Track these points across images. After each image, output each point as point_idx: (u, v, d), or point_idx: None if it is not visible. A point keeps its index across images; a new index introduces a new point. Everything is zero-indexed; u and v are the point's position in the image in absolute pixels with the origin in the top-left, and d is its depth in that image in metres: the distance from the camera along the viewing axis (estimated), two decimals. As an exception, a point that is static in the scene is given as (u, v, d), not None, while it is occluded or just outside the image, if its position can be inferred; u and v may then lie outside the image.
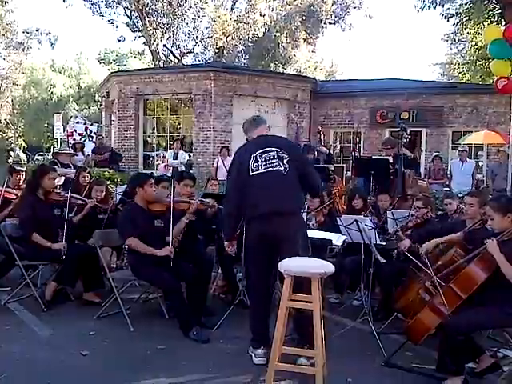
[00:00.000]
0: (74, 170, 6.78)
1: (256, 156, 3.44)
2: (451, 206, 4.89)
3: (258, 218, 3.43)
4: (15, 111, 30.53)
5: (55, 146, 17.62)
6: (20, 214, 4.72)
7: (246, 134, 3.78)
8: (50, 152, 22.56)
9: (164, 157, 11.49)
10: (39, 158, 23.63)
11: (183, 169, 10.71)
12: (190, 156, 13.09)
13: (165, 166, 10.97)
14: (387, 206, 5.17)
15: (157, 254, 4.04)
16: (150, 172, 10.28)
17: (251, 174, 3.43)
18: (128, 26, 25.46)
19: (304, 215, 4.58)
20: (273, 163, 3.41)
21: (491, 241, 3.12)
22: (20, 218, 4.71)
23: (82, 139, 13.99)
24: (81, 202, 5.10)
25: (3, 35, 22.99)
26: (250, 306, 3.74)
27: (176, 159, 10.96)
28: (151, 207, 4.25)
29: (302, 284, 3.09)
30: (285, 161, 3.41)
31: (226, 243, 3.70)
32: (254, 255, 3.54)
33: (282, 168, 3.40)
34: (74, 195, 5.09)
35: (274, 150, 3.43)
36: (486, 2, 14.30)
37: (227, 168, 10.10)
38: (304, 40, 25.04)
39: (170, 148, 11.84)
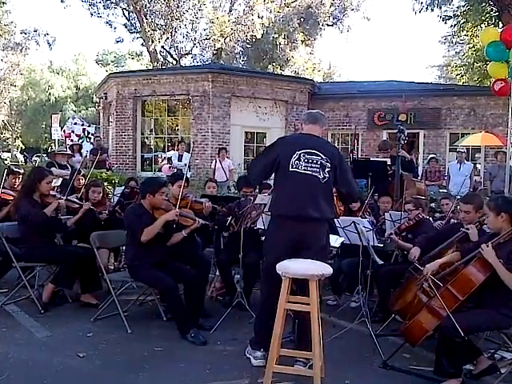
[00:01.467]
0: (70, 172, 6.77)
1: (300, 154, 3.39)
2: (448, 207, 4.90)
3: (286, 217, 3.39)
4: (13, 112, 30.49)
5: (52, 147, 17.57)
6: (21, 211, 4.59)
7: (301, 123, 3.70)
8: (46, 153, 22.50)
9: (165, 158, 11.43)
10: (36, 159, 23.56)
11: (188, 171, 10.65)
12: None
13: (169, 167, 10.93)
14: (389, 208, 5.19)
15: (167, 219, 4.09)
16: (146, 175, 10.26)
17: (290, 169, 3.39)
18: (126, 27, 25.47)
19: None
20: (314, 168, 3.37)
21: (486, 247, 3.13)
22: (24, 213, 4.55)
23: (80, 140, 13.97)
24: (76, 205, 5.07)
25: (1, 36, 22.93)
26: (261, 308, 3.64)
27: (181, 161, 10.93)
28: (156, 214, 4.22)
29: (305, 286, 3.08)
30: (326, 170, 3.38)
31: None
32: (275, 254, 3.40)
33: (321, 176, 3.37)
34: (70, 198, 5.07)
35: (319, 156, 3.39)
36: (483, 5, 14.32)
37: (225, 169, 10.23)
38: (302, 42, 25.05)
39: (173, 150, 11.75)
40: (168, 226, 4.22)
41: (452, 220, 4.69)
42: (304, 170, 3.37)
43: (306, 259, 3.24)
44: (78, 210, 5.03)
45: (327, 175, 3.38)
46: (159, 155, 12.64)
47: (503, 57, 6.60)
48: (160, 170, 11.50)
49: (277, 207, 3.49)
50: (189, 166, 12.00)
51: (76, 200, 5.15)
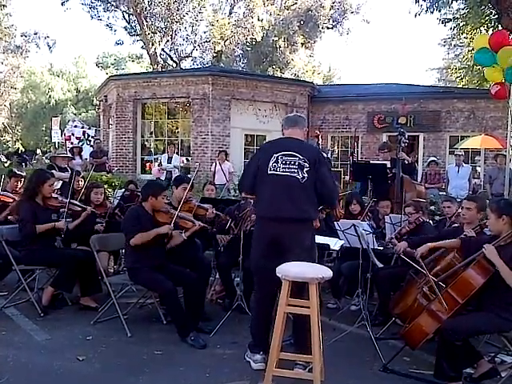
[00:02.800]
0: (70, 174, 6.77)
1: (277, 156, 3.43)
2: (450, 210, 4.88)
3: (266, 219, 3.44)
4: (13, 115, 30.48)
5: (51, 150, 17.59)
6: (20, 214, 4.65)
7: (282, 129, 3.75)
8: (46, 155, 22.49)
9: (159, 160, 11.52)
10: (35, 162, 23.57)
11: (177, 173, 10.70)
12: (187, 160, 13.08)
13: (159, 169, 10.99)
14: (388, 212, 5.18)
15: (160, 232, 4.09)
16: (146, 177, 10.30)
17: (268, 172, 3.42)
18: (126, 29, 25.47)
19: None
20: (291, 169, 3.39)
21: (489, 246, 3.13)
22: (20, 218, 4.62)
23: (80, 143, 14.00)
24: (78, 208, 5.07)
25: (1, 39, 22.93)
26: (254, 310, 3.70)
27: (170, 163, 10.98)
28: (157, 216, 4.24)
29: (303, 289, 3.09)
30: (305, 170, 3.39)
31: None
32: (259, 256, 3.48)
33: (300, 176, 3.38)
34: (73, 201, 5.07)
35: (296, 157, 3.41)
36: (482, 8, 14.33)
37: (225, 172, 10.24)
38: (302, 44, 25.09)
39: (165, 152, 11.87)
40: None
41: (455, 225, 4.68)
42: (282, 171, 3.40)
43: (293, 262, 3.21)
44: (79, 213, 5.03)
45: (306, 175, 3.38)
46: (158, 158, 12.66)
47: (489, 62, 6.63)
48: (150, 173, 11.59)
49: (258, 209, 3.56)
50: (185, 168, 12.07)
51: (78, 203, 5.15)
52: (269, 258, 3.37)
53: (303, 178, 3.38)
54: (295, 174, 3.38)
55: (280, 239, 3.37)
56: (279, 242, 3.38)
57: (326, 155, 9.19)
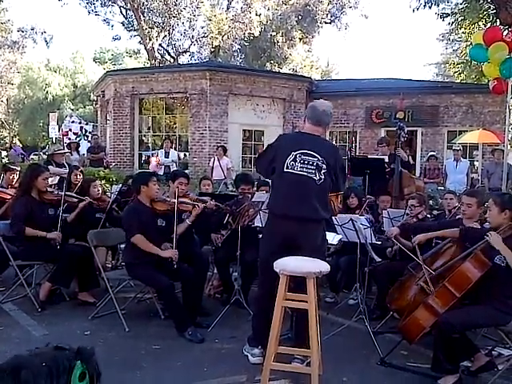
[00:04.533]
0: (68, 170, 6.75)
1: (296, 155, 3.36)
2: (452, 202, 4.85)
3: (279, 217, 3.41)
4: (10, 111, 30.40)
5: (49, 145, 17.55)
6: (12, 210, 4.65)
7: (304, 118, 3.61)
8: (43, 151, 22.47)
9: (157, 155, 11.50)
10: (34, 157, 23.52)
11: (175, 167, 10.70)
12: (185, 155, 13.06)
13: (156, 164, 10.97)
14: (388, 207, 5.18)
15: (160, 255, 4.04)
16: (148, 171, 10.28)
17: (285, 170, 3.38)
18: (123, 25, 25.37)
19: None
20: (309, 169, 3.35)
21: (494, 234, 3.13)
22: (12, 214, 4.62)
23: (78, 138, 13.93)
24: (75, 200, 5.06)
25: (-2, 34, 22.88)
26: (256, 305, 3.68)
27: (168, 158, 10.97)
28: (155, 206, 4.24)
29: (300, 283, 3.09)
30: (322, 171, 3.35)
31: None
32: (269, 253, 3.42)
33: (317, 178, 3.35)
34: (69, 193, 5.06)
35: (315, 157, 3.35)
36: (481, 2, 14.31)
37: (223, 168, 10.22)
38: (300, 39, 25.02)
39: (162, 147, 11.86)
40: (167, 220, 4.22)
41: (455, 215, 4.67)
42: (300, 171, 3.36)
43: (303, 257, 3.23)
44: (76, 204, 5.02)
45: (323, 177, 3.35)
46: (155, 153, 12.64)
47: (483, 58, 6.63)
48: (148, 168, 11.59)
49: (271, 206, 3.54)
50: (183, 163, 12.07)
51: (75, 195, 5.14)
52: (278, 256, 3.30)
53: (320, 179, 3.35)
54: (312, 175, 3.34)
55: (291, 238, 3.35)
56: (290, 240, 3.36)
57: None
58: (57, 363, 1.12)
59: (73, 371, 1.12)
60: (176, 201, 4.25)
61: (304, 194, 3.34)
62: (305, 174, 3.35)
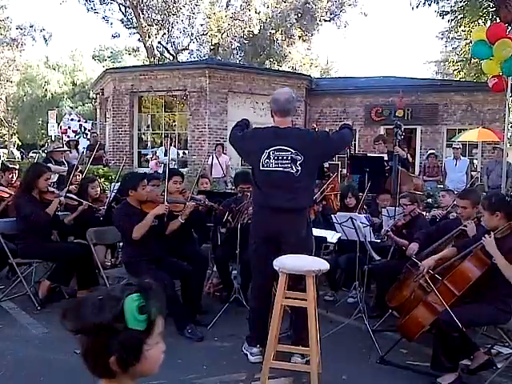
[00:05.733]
0: (67, 168, 6.74)
1: (269, 152, 3.38)
2: (445, 199, 4.89)
3: (261, 209, 3.46)
4: (9, 108, 30.34)
5: (48, 143, 17.53)
6: (23, 209, 4.52)
7: (271, 110, 3.65)
8: (42, 149, 22.45)
9: (155, 154, 11.49)
10: (33, 155, 23.51)
11: (174, 166, 10.69)
12: (184, 153, 13.05)
13: (156, 163, 10.96)
14: (388, 205, 5.17)
15: (155, 213, 4.00)
16: (143, 171, 10.28)
17: (261, 168, 3.40)
18: (123, 22, 25.33)
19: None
20: (284, 164, 3.36)
21: (488, 238, 3.13)
22: (27, 211, 4.48)
23: (77, 136, 13.91)
24: (75, 202, 5.04)
25: (-4, 31, 22.83)
26: (252, 303, 3.70)
27: (167, 156, 10.95)
28: (145, 208, 4.18)
29: (298, 281, 3.10)
30: (298, 163, 3.35)
31: None
32: (256, 248, 3.50)
33: (294, 170, 3.35)
34: (69, 195, 5.05)
35: (288, 151, 3.36)
36: (480, 0, 14.31)
37: (222, 165, 10.21)
38: (299, 37, 24.97)
39: (161, 145, 11.85)
40: (160, 218, 4.20)
41: (452, 215, 4.68)
42: (275, 167, 3.37)
43: (289, 253, 3.24)
44: (76, 206, 5.01)
45: (299, 168, 3.35)
46: (154, 151, 12.64)
47: (486, 55, 6.60)
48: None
49: (255, 200, 3.64)
50: (182, 161, 12.06)
51: (75, 197, 5.12)
52: (264, 249, 3.41)
53: (297, 171, 3.36)
54: (288, 169, 3.36)
55: (276, 229, 3.38)
56: (275, 231, 3.38)
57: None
58: (110, 295, 1.20)
59: (124, 302, 1.16)
60: (165, 199, 4.20)
61: (283, 187, 3.36)
62: (280, 169, 3.36)
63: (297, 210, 3.39)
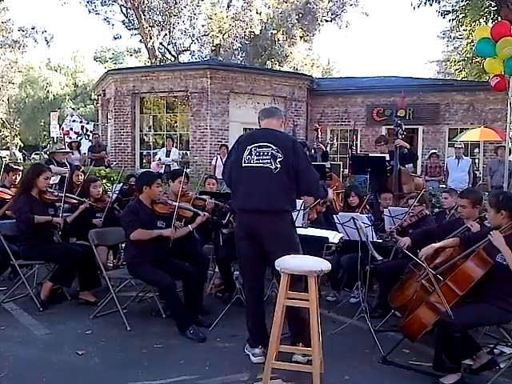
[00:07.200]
0: (69, 169, 6.74)
1: (251, 149, 3.42)
2: (447, 201, 4.87)
3: (242, 212, 3.47)
4: (11, 110, 30.38)
5: (50, 144, 17.56)
6: (16, 205, 4.58)
7: (258, 120, 3.71)
8: (44, 150, 22.48)
9: (156, 154, 11.51)
10: (35, 156, 23.55)
11: (176, 166, 10.70)
12: (186, 154, 13.06)
13: (157, 164, 10.97)
14: (390, 204, 5.17)
15: (163, 234, 4.09)
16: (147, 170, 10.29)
17: (243, 165, 3.43)
18: (124, 23, 25.38)
19: (300, 212, 4.55)
20: (264, 160, 3.37)
21: (496, 232, 3.12)
22: (15, 208, 4.56)
23: (79, 138, 13.95)
24: (75, 201, 5.06)
25: (-2, 33, 22.88)
26: (246, 305, 3.72)
27: (168, 157, 10.95)
28: (156, 208, 4.24)
29: (297, 281, 3.10)
30: (277, 160, 3.36)
31: None
32: (241, 250, 3.52)
33: (273, 167, 3.35)
34: (69, 195, 5.05)
35: (269, 147, 3.39)
36: (482, -1, 14.28)
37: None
38: (300, 37, 24.99)
39: (163, 146, 11.86)
40: (167, 221, 4.23)
41: (454, 215, 4.66)
42: (256, 163, 3.39)
43: (272, 253, 3.25)
44: (76, 205, 5.02)
45: (279, 165, 3.35)
46: (156, 152, 12.64)
47: (490, 53, 6.58)
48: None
49: (234, 202, 3.59)
50: (184, 162, 12.05)
51: (75, 196, 5.13)
52: (249, 249, 3.43)
53: (276, 168, 3.35)
54: (268, 164, 3.36)
55: (256, 231, 3.38)
56: (256, 233, 3.38)
57: (323, 148, 9.22)
58: None
59: None
60: (177, 204, 4.27)
61: (261, 185, 3.35)
62: (260, 164, 3.37)
63: (273, 212, 3.35)
